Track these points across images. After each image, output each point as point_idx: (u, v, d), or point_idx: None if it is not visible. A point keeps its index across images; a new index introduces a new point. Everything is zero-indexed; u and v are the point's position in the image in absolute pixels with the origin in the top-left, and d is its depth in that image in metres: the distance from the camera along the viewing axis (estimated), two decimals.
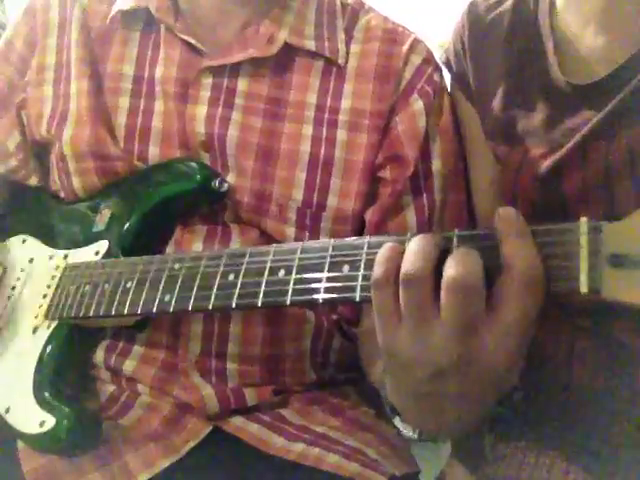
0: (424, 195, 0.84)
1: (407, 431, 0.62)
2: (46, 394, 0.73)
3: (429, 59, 0.87)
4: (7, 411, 0.75)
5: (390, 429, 0.86)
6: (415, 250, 0.50)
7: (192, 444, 0.75)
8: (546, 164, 0.76)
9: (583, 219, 0.46)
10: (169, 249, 0.80)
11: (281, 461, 0.74)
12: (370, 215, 0.83)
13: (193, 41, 0.83)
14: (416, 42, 0.87)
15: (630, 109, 0.71)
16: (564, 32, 0.79)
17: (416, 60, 0.85)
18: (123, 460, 0.72)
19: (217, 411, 0.78)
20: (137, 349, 0.79)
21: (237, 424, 0.78)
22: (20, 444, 0.73)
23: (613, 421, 0.75)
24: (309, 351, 0.83)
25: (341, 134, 0.82)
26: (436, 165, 0.84)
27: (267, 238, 0.81)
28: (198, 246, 0.80)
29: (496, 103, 0.83)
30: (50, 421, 0.70)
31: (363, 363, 0.87)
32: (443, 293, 0.48)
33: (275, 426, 0.79)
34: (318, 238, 0.82)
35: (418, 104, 0.83)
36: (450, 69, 0.91)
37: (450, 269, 0.48)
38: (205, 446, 0.76)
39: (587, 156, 0.74)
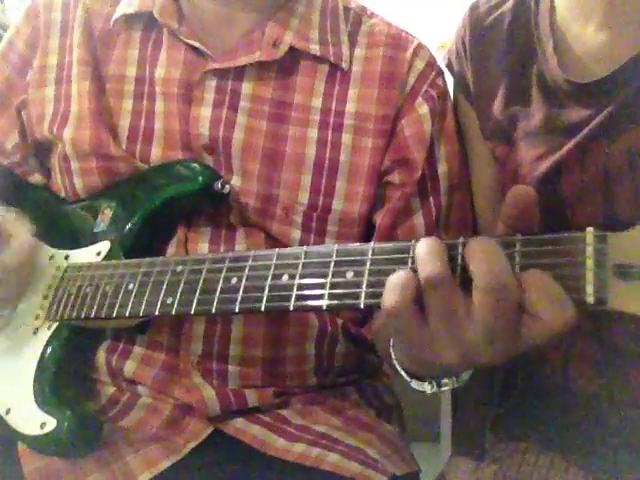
0: (431, 198, 0.84)
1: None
2: (47, 396, 0.73)
3: (432, 63, 0.87)
4: (7, 412, 0.74)
5: (390, 429, 0.86)
6: (428, 251, 0.49)
7: (193, 445, 0.76)
8: (545, 165, 0.76)
9: (589, 229, 0.46)
10: (173, 250, 0.79)
11: (282, 461, 0.74)
12: (380, 219, 0.83)
13: (198, 45, 0.83)
14: (419, 47, 0.87)
15: (630, 110, 0.71)
16: (564, 31, 0.78)
17: (420, 65, 0.85)
18: (124, 461, 0.73)
19: (218, 412, 0.78)
20: (137, 350, 0.79)
21: (237, 426, 0.78)
22: (20, 445, 0.73)
23: (611, 422, 0.75)
24: (313, 355, 0.83)
25: (346, 138, 0.82)
26: (442, 168, 0.85)
27: (273, 241, 0.81)
28: (203, 247, 0.79)
29: (496, 104, 0.83)
30: (51, 423, 0.70)
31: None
32: (478, 293, 0.47)
33: (275, 427, 0.79)
34: (324, 241, 0.82)
35: (423, 108, 0.83)
36: (451, 70, 0.91)
37: (481, 266, 0.47)
38: (206, 447, 0.76)
39: (586, 157, 0.74)
